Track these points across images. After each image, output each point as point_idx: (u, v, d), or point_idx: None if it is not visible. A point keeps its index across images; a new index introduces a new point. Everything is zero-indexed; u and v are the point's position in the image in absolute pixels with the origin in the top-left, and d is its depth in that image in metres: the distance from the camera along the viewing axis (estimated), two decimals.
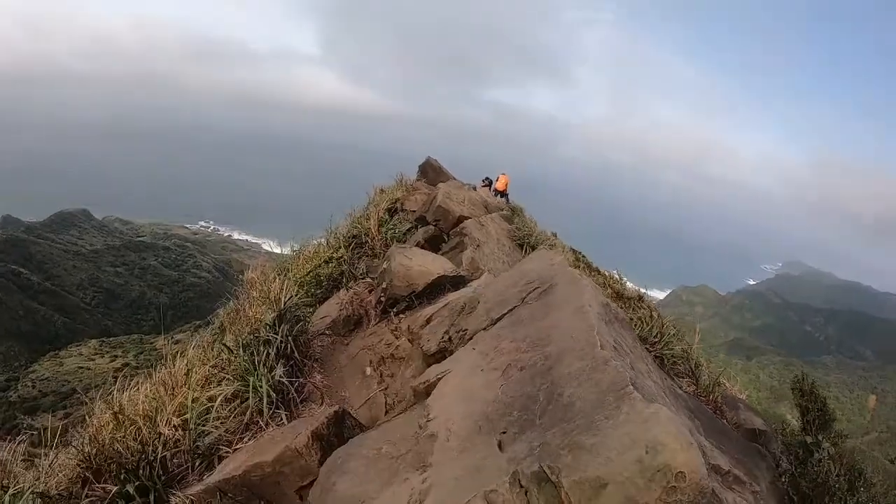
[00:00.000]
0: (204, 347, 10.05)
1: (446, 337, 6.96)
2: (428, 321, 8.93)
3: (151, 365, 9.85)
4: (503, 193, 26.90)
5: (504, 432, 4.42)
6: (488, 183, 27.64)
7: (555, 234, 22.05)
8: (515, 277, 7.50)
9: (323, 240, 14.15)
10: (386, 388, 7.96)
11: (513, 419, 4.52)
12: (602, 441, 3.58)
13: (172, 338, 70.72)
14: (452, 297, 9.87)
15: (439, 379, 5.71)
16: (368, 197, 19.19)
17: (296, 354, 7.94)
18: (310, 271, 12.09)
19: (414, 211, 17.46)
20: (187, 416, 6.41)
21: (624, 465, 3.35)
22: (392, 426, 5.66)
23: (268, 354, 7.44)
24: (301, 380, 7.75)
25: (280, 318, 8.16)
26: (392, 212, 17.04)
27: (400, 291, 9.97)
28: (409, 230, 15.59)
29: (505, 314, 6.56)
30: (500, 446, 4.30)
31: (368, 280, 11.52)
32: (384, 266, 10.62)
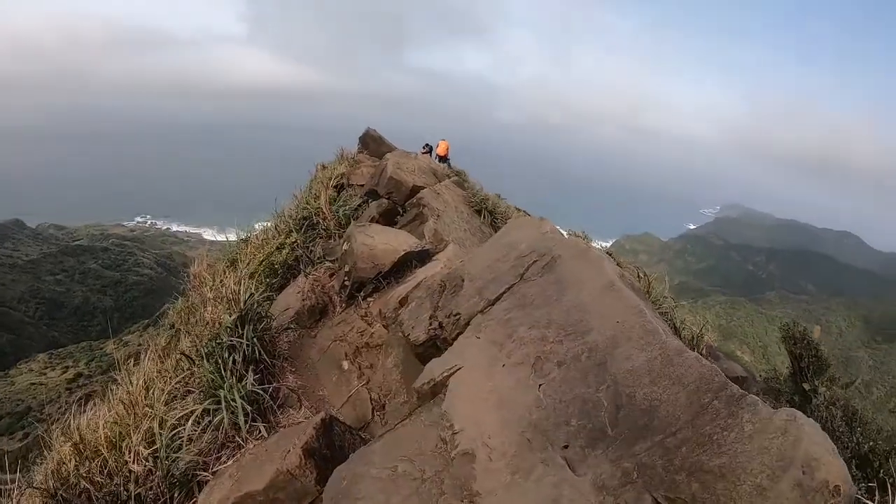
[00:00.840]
0: (160, 355, 9.39)
1: (435, 323, 6.47)
2: (402, 303, 8.44)
3: (104, 371, 9.25)
4: (444, 159, 26.44)
5: (566, 447, 3.85)
6: (429, 150, 27.11)
7: (498, 196, 21.75)
8: (501, 250, 7.03)
9: (271, 224, 13.42)
10: (367, 383, 7.48)
11: (573, 429, 3.95)
12: (735, 462, 3.04)
13: (122, 340, 68.08)
14: (422, 273, 9.39)
15: (447, 377, 5.21)
16: (311, 175, 18.44)
17: (264, 357, 7.35)
18: (262, 260, 11.39)
19: (361, 185, 16.80)
20: (156, 444, 5.80)
21: (780, 492, 2.83)
22: (400, 437, 4.94)
23: (234, 361, 6.84)
24: (274, 384, 7.18)
25: (242, 319, 7.54)
26: (339, 188, 16.35)
27: (365, 273, 9.43)
28: (360, 206, 14.95)
29: (503, 293, 6.09)
30: (570, 466, 3.71)
31: (328, 264, 10.92)
32: (345, 247, 10.03)
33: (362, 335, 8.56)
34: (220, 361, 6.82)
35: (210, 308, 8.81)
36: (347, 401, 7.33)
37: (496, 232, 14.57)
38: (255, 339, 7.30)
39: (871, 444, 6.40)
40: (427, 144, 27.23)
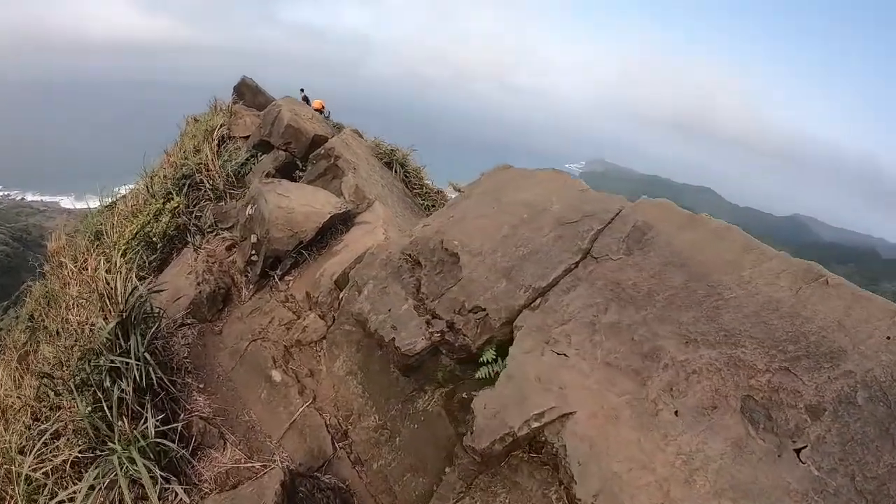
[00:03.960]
0: (18, 358, 7.38)
1: (439, 324, 4.59)
2: (339, 284, 6.44)
3: None
4: (321, 111, 24.05)
5: None
6: (306, 100, 24.47)
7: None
8: (514, 212, 5.17)
9: (142, 185, 10.64)
10: (313, 400, 5.47)
11: None
12: None
13: None
14: (354, 241, 7.39)
15: (545, 425, 3.41)
16: (181, 130, 15.49)
17: (164, 381, 5.13)
18: (136, 232, 8.78)
19: (245, 137, 14.17)
20: None
21: None
22: None
23: (123, 393, 4.60)
24: (182, 416, 5.03)
25: (124, 325, 5.23)
26: (219, 142, 13.63)
27: (281, 245, 7.28)
28: (248, 159, 12.41)
29: (560, 278, 4.34)
30: None
31: (224, 234, 8.56)
32: (249, 212, 7.76)
33: (289, 329, 6.49)
34: (100, 394, 4.56)
35: (77, 308, 6.38)
36: (290, 427, 5.33)
37: (409, 188, 12.70)
38: (146, 356, 5.03)
39: None
40: (303, 91, 24.43)
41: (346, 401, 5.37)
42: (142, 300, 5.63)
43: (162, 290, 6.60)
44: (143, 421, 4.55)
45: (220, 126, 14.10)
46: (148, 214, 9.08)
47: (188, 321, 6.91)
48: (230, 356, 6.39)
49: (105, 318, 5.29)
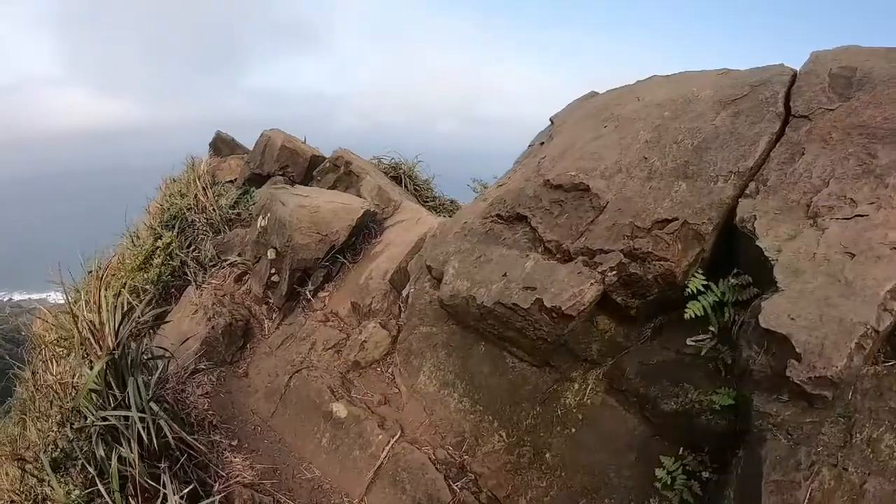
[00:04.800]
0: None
1: (611, 262, 3.07)
2: (394, 284, 4.91)
3: None
4: None
5: None
6: None
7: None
8: (655, 115, 3.74)
9: (126, 240, 9.06)
10: (402, 433, 3.78)
11: None
12: None
13: None
14: (394, 240, 5.89)
15: None
16: (160, 190, 14.11)
17: (183, 439, 3.44)
18: (125, 283, 7.14)
19: (232, 181, 12.74)
20: None
21: None
22: None
23: (124, 467, 2.92)
24: (217, 487, 3.34)
25: (117, 367, 3.56)
26: (205, 189, 12.16)
27: (309, 253, 5.72)
28: (241, 196, 10.90)
29: (769, 149, 3.16)
30: None
31: (232, 260, 6.94)
32: (262, 223, 6.21)
33: (340, 351, 4.85)
34: (91, 468, 2.89)
35: (55, 362, 4.82)
36: (377, 476, 3.64)
37: (421, 202, 11.21)
38: (152, 406, 3.36)
39: None
40: None
41: (449, 423, 3.73)
42: (137, 329, 3.95)
43: (165, 322, 4.93)
44: (160, 500, 2.87)
45: (204, 173, 12.64)
46: (136, 258, 7.45)
47: (202, 366, 5.23)
48: (266, 399, 4.71)
49: (88, 363, 3.64)
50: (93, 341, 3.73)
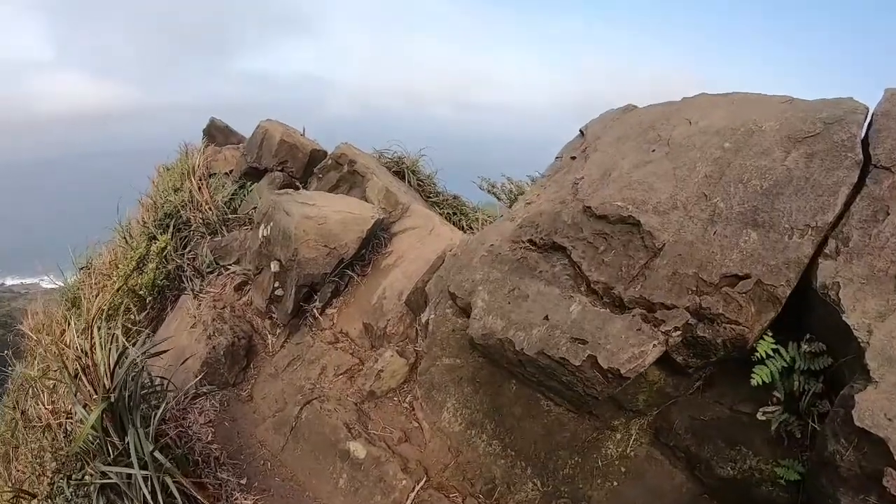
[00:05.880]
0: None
1: (676, 321, 2.75)
2: (410, 306, 4.63)
3: None
4: None
5: None
6: None
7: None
8: (713, 146, 3.31)
9: (118, 237, 8.72)
10: (427, 478, 3.52)
11: None
12: None
13: None
14: (406, 251, 5.62)
15: None
16: (153, 180, 13.73)
17: (188, 490, 3.17)
18: (118, 287, 6.81)
19: (228, 173, 12.33)
20: None
21: None
22: None
23: None
24: None
25: (115, 411, 3.26)
26: (200, 180, 11.75)
27: (316, 268, 5.39)
28: (237, 191, 10.54)
29: (849, 203, 2.78)
30: None
31: (231, 269, 6.62)
32: (264, 233, 5.88)
33: (353, 378, 4.58)
34: None
35: (44, 392, 4.52)
36: None
37: (424, 198, 10.86)
38: (156, 456, 3.08)
39: None
40: None
41: (478, 467, 3.47)
42: (136, 370, 3.65)
43: (162, 352, 4.61)
44: None
45: (199, 166, 12.24)
46: (130, 262, 7.10)
47: (204, 389, 4.93)
48: (275, 430, 4.42)
49: (85, 405, 3.34)
50: (86, 382, 3.43)
